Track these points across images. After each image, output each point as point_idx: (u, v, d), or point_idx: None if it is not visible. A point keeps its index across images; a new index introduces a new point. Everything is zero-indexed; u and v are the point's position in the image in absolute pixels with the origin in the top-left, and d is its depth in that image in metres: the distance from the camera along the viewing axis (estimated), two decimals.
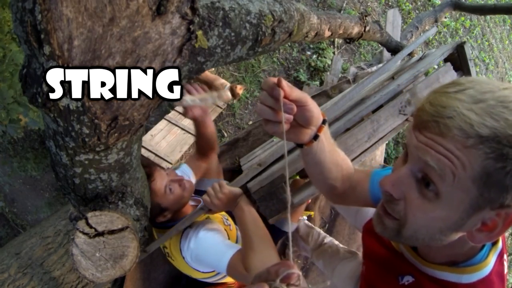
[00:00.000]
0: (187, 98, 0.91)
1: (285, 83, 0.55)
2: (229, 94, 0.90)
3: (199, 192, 1.29)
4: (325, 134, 0.66)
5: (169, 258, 1.12)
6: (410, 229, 0.51)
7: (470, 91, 0.42)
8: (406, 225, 0.51)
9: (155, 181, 0.98)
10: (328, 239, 1.54)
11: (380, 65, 2.33)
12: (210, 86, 3.39)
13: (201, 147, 1.32)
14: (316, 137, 0.64)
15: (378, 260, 0.71)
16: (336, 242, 1.50)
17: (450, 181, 0.43)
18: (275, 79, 0.55)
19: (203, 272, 1.06)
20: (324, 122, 0.64)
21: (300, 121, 0.61)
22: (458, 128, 0.41)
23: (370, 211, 1.23)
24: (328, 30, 1.21)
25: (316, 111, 0.61)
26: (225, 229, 1.11)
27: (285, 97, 0.55)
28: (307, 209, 2.11)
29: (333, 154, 0.70)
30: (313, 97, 1.95)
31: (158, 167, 1.05)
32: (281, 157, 1.13)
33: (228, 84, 3.38)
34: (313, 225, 1.71)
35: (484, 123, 0.40)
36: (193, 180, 1.33)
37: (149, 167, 0.99)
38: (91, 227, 0.67)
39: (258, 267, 0.85)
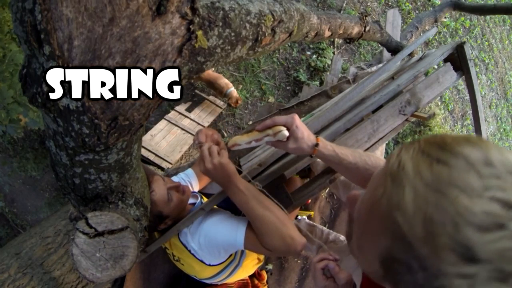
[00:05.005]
0: (241, 141, 0.83)
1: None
2: (286, 132, 0.79)
3: (205, 194, 1.29)
4: (324, 142, 0.82)
5: (177, 263, 1.11)
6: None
7: (443, 170, 0.33)
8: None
9: (155, 192, 0.96)
10: (333, 234, 1.52)
11: (380, 65, 2.33)
12: (213, 85, 3.39)
13: None
14: (316, 144, 0.80)
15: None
16: (342, 238, 1.48)
17: (362, 238, 0.41)
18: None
19: (213, 265, 1.05)
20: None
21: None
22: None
23: None
24: (328, 30, 1.21)
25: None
26: None
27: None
28: (307, 209, 2.11)
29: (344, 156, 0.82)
30: (313, 97, 1.95)
31: (155, 175, 1.02)
32: (281, 157, 1.13)
33: (232, 88, 3.37)
34: (314, 223, 1.71)
35: (414, 224, 0.32)
36: (195, 184, 1.32)
37: (146, 177, 0.95)
38: (91, 227, 0.67)
39: (276, 244, 0.86)
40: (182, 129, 3.28)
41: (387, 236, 0.35)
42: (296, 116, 0.81)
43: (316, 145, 0.81)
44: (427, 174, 0.33)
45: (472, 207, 0.30)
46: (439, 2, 4.44)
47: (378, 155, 0.86)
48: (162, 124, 3.28)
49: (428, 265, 0.31)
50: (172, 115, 3.37)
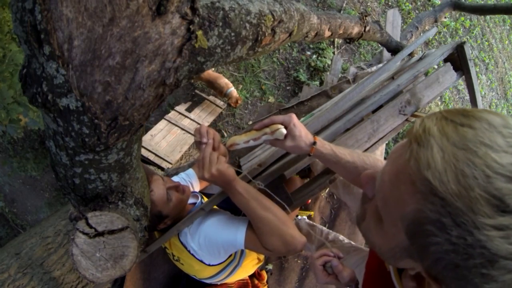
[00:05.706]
0: (239, 141, 0.84)
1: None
2: (284, 131, 0.80)
3: (206, 194, 1.29)
4: (321, 141, 0.84)
5: (177, 263, 1.11)
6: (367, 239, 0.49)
7: (468, 131, 0.35)
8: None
9: (154, 192, 0.96)
10: (332, 234, 1.52)
11: (380, 65, 2.33)
12: (213, 85, 3.39)
13: None
14: (314, 143, 0.81)
15: (373, 270, 0.71)
16: (341, 237, 1.48)
17: (386, 209, 0.41)
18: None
19: (213, 265, 1.04)
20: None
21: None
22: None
23: None
24: (328, 30, 1.21)
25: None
26: None
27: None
28: (307, 209, 2.11)
29: (342, 155, 0.83)
30: (313, 97, 1.95)
31: (154, 175, 1.02)
32: (281, 157, 1.13)
33: (233, 88, 3.38)
34: (314, 223, 1.71)
35: (446, 180, 0.33)
36: (196, 184, 1.32)
37: (145, 177, 0.95)
38: (91, 227, 0.66)
39: (276, 244, 0.87)
40: (182, 129, 3.29)
41: (416, 198, 0.36)
42: (294, 115, 0.82)
43: (314, 143, 0.82)
44: (453, 135, 0.35)
45: (500, 160, 0.32)
46: (439, 2, 4.44)
47: (378, 155, 0.87)
48: (162, 124, 3.28)
49: (462, 220, 0.32)
50: (172, 115, 3.38)
